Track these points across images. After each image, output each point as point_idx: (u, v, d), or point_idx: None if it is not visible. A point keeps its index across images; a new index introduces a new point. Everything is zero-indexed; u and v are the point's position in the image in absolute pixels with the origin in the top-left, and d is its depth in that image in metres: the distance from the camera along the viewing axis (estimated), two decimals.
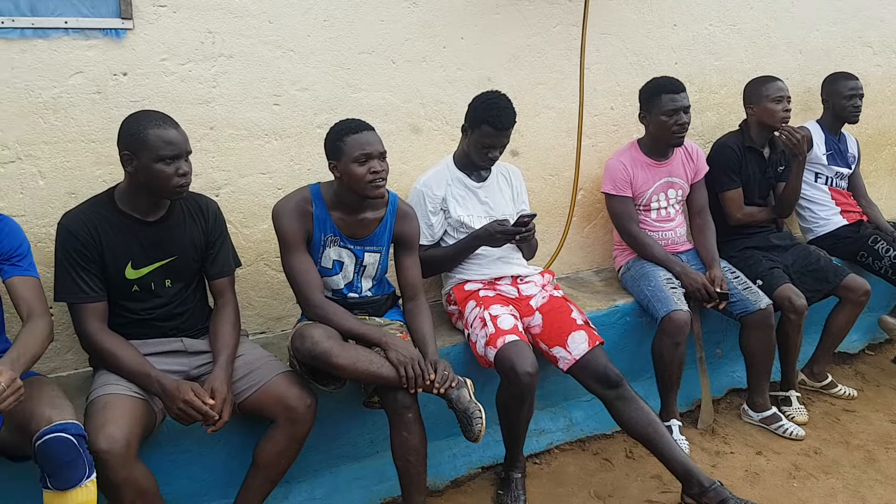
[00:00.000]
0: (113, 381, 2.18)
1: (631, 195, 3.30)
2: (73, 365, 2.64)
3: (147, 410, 2.17)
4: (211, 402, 2.17)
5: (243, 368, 2.36)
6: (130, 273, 2.27)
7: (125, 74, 2.54)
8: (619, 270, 3.46)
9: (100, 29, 2.48)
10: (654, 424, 2.59)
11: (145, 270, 2.29)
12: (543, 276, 3.01)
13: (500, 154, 2.86)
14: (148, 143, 2.12)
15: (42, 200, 2.50)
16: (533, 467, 2.93)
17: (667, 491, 2.77)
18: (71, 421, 1.90)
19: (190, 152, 2.21)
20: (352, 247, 2.56)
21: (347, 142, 2.40)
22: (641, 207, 3.35)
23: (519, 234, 2.75)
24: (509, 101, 2.78)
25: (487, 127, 2.74)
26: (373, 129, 2.45)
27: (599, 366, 2.65)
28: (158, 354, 2.31)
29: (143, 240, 2.27)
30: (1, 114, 2.39)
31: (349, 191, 2.45)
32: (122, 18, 2.51)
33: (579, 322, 2.77)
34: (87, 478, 1.89)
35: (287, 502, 2.59)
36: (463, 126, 2.86)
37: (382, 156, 2.44)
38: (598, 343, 2.70)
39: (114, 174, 2.50)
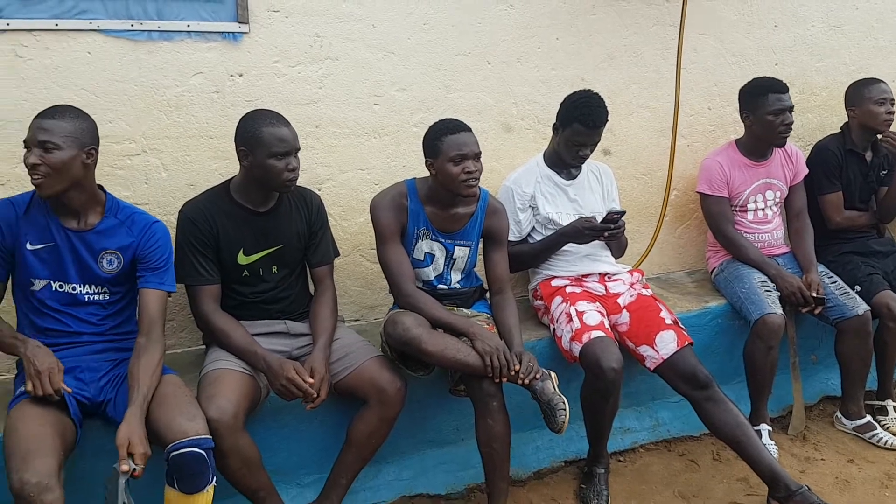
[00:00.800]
0: (224, 358, 2.39)
1: (727, 195, 3.29)
2: (187, 343, 2.87)
3: (253, 385, 2.36)
4: (311, 380, 2.34)
5: (339, 351, 2.53)
6: (242, 259, 2.48)
7: (241, 75, 2.77)
8: (712, 272, 3.45)
9: (219, 32, 2.71)
10: (743, 427, 2.60)
11: (255, 257, 2.49)
12: (632, 275, 3.05)
13: (591, 152, 2.92)
14: (262, 140, 2.31)
15: (164, 191, 2.75)
16: (616, 464, 2.98)
17: (753, 494, 2.77)
18: (204, 436, 2.06)
19: (299, 149, 2.39)
20: (443, 240, 2.68)
21: (445, 141, 2.52)
22: (738, 208, 3.34)
23: (607, 230, 2.80)
24: (601, 99, 2.84)
25: (578, 125, 2.81)
26: (470, 130, 2.56)
27: (688, 366, 2.67)
28: (264, 335, 2.50)
29: (255, 229, 2.47)
30: (130, 110, 2.65)
31: (443, 188, 2.58)
32: (239, 23, 2.73)
33: (668, 321, 2.79)
34: (210, 482, 2.07)
35: (376, 481, 2.74)
36: (554, 124, 2.93)
37: (477, 156, 2.54)
38: (687, 343, 2.71)
39: (229, 168, 2.73)
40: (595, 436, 2.80)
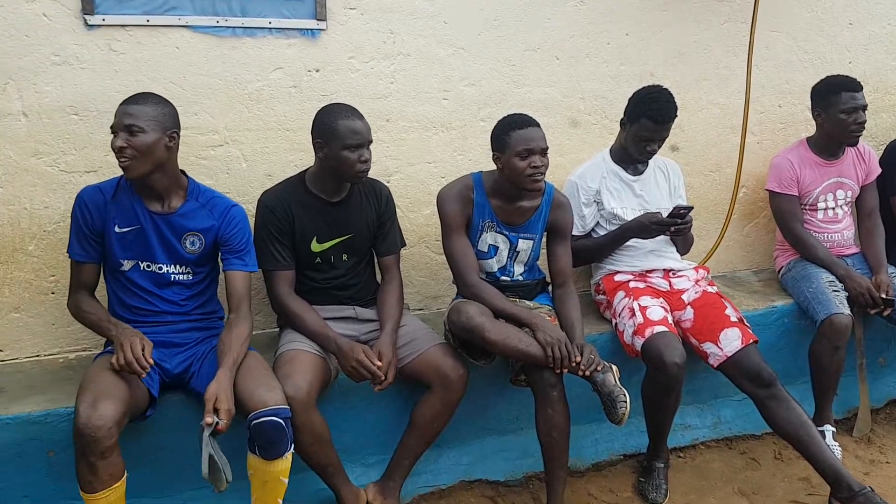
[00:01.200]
0: (298, 339, 2.51)
1: (796, 194, 3.26)
2: (263, 325, 3.00)
3: (325, 366, 2.48)
4: (378, 363, 2.44)
5: (405, 337, 2.62)
6: (315, 246, 2.59)
7: (318, 71, 2.89)
8: (779, 271, 3.42)
9: (298, 29, 2.83)
10: (806, 426, 2.59)
11: (327, 245, 2.61)
12: (697, 272, 3.06)
13: (659, 148, 2.93)
14: (337, 132, 2.42)
15: (244, 180, 2.89)
16: (676, 460, 3.01)
17: (814, 493, 2.76)
18: (282, 406, 2.18)
19: (371, 142, 2.49)
20: (507, 233, 2.74)
21: (513, 136, 2.56)
22: (807, 207, 3.30)
23: (674, 225, 2.82)
24: (671, 95, 2.85)
25: (647, 120, 2.83)
26: (538, 125, 2.59)
27: (752, 364, 2.66)
28: (334, 319, 2.61)
29: (327, 218, 2.58)
30: (214, 103, 2.79)
31: (509, 181, 2.62)
32: (318, 20, 2.85)
33: (733, 319, 2.79)
34: (288, 449, 2.20)
35: (437, 465, 2.83)
36: (622, 119, 2.96)
37: (544, 152, 2.57)
38: (751, 341, 2.71)
39: (304, 159, 2.85)
40: (655, 431, 2.82)
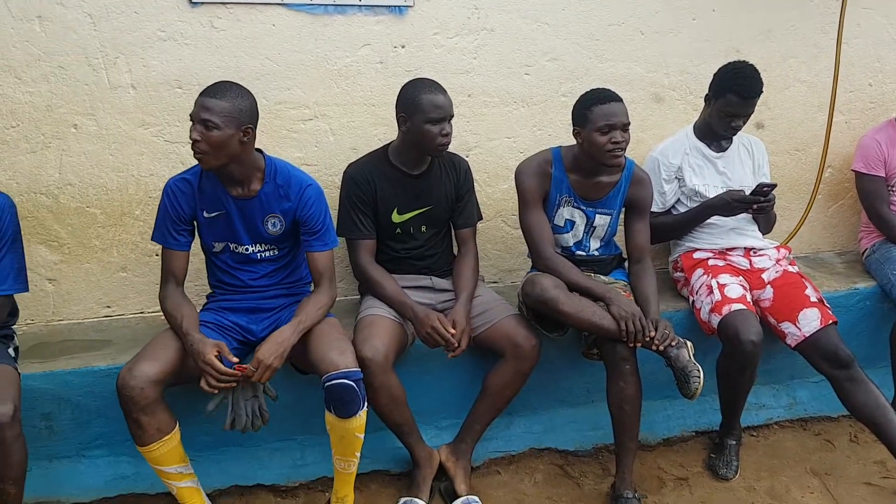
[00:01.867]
0: (377, 305, 2.62)
1: (883, 175, 3.15)
2: (344, 293, 3.13)
3: (401, 332, 2.58)
4: (452, 331, 2.52)
5: (479, 307, 2.70)
6: (396, 217, 2.69)
7: (403, 47, 2.97)
8: (863, 253, 3.32)
9: (387, 6, 2.91)
10: (884, 409, 2.53)
11: (407, 216, 2.70)
12: (779, 251, 3.00)
13: (744, 124, 2.87)
14: (420, 106, 2.49)
15: (330, 153, 3.01)
16: (749, 439, 2.99)
17: (889, 477, 2.71)
18: (353, 369, 2.27)
19: (452, 116, 2.55)
20: (584, 208, 2.75)
21: (594, 111, 2.55)
22: (894, 189, 3.18)
23: (756, 203, 2.78)
24: (756, 70, 2.79)
25: (732, 95, 2.78)
26: (621, 100, 2.57)
27: (830, 344, 2.61)
28: (411, 288, 2.71)
29: (408, 190, 2.67)
30: (305, 79, 2.92)
31: (588, 156, 2.63)
32: None
33: (813, 299, 2.74)
34: (361, 408, 2.30)
35: (508, 431, 2.90)
36: (706, 95, 2.91)
37: (625, 127, 2.56)
38: (830, 322, 2.66)
39: (387, 133, 2.94)
40: (729, 408, 2.81)
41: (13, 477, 2.12)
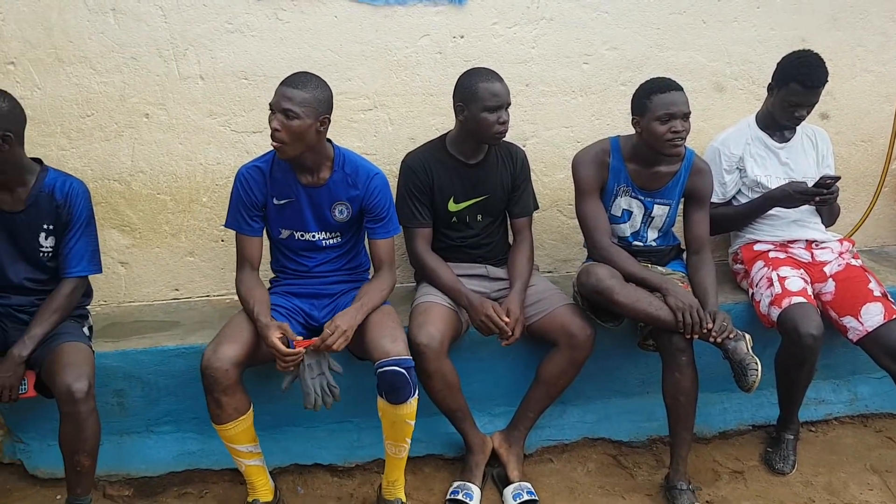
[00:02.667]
0: (432, 293, 2.65)
1: None
2: (400, 280, 3.14)
3: (456, 319, 2.61)
4: (506, 319, 2.53)
5: (534, 297, 2.70)
6: (452, 206, 2.71)
7: (462, 37, 2.98)
8: None
9: None
10: None
11: (464, 205, 2.72)
12: (842, 244, 2.92)
13: (807, 114, 2.81)
14: (478, 94, 2.50)
15: (389, 142, 3.05)
16: (807, 434, 2.93)
17: None
18: (404, 357, 2.30)
19: (509, 104, 2.55)
20: (642, 198, 2.73)
21: (654, 100, 2.52)
22: None
23: (819, 195, 2.71)
24: (821, 59, 2.72)
25: (796, 84, 2.72)
26: (681, 89, 2.53)
27: (893, 340, 2.54)
28: (466, 276, 2.73)
29: (465, 179, 2.68)
30: (366, 70, 2.96)
31: (647, 146, 2.60)
32: None
33: (876, 293, 2.66)
34: (412, 396, 2.32)
35: (561, 420, 2.91)
36: (769, 84, 2.85)
37: (685, 116, 2.52)
38: (894, 317, 2.57)
39: (445, 124, 2.95)
40: (787, 402, 2.76)
41: (87, 449, 2.23)
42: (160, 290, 3.09)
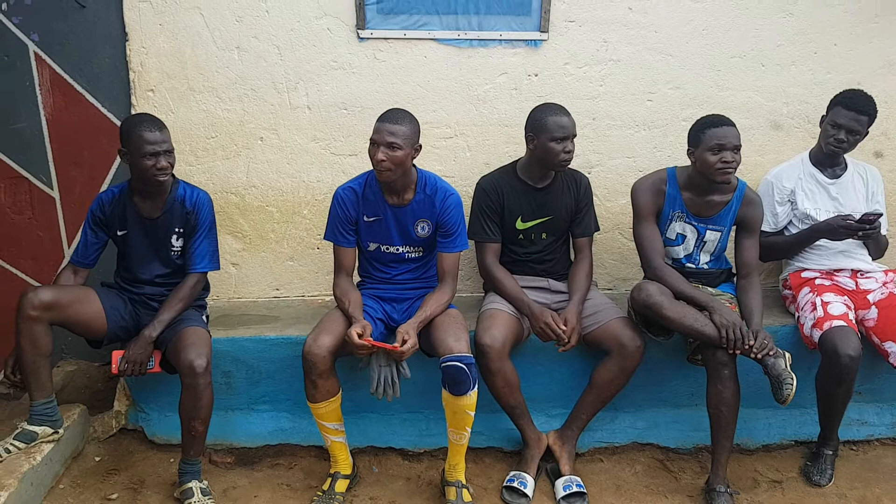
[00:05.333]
0: (497, 301, 2.91)
1: None
2: (470, 290, 3.48)
3: (518, 325, 2.86)
4: (564, 327, 2.76)
5: (590, 309, 2.91)
6: (520, 225, 2.96)
7: (536, 75, 3.27)
8: None
9: (524, 40, 3.23)
10: None
11: (530, 224, 2.96)
12: (887, 275, 3.02)
13: (848, 139, 2.93)
14: (546, 126, 2.76)
15: (466, 167, 3.35)
16: (847, 452, 3.02)
17: None
18: (466, 354, 2.53)
19: (575, 135, 2.79)
20: (696, 223, 2.91)
21: (707, 133, 2.72)
22: None
23: (861, 230, 2.84)
24: (869, 95, 2.88)
25: (840, 107, 2.89)
26: (733, 125, 2.72)
27: None
28: (530, 288, 2.97)
29: (532, 201, 2.93)
30: (448, 103, 3.28)
31: (700, 175, 2.79)
32: (541, 31, 3.22)
33: None
34: (472, 389, 2.54)
35: (613, 425, 3.09)
36: (821, 118, 3.01)
37: (736, 149, 2.70)
38: None
39: (517, 151, 3.22)
40: (826, 419, 2.87)
41: (202, 417, 2.59)
42: (264, 290, 3.47)
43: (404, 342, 2.56)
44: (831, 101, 2.94)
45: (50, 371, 2.71)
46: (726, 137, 2.70)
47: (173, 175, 2.77)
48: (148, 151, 2.58)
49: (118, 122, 3.21)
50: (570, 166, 2.89)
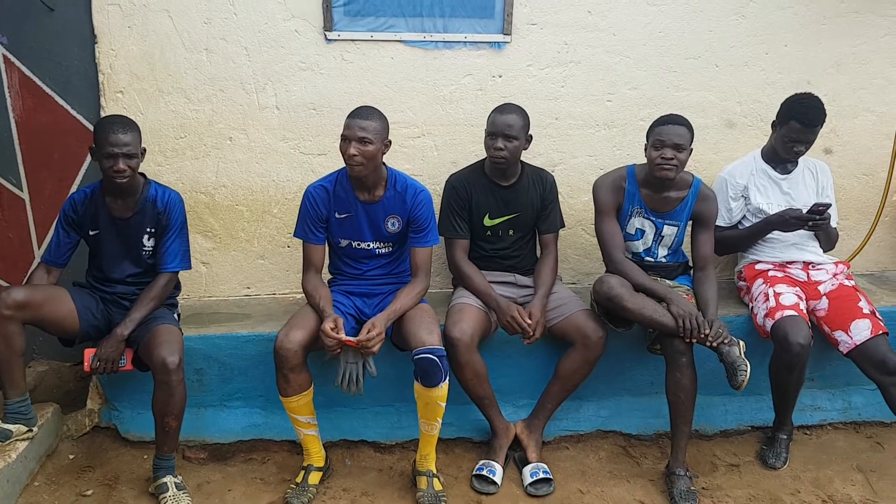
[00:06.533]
0: (466, 296, 2.98)
1: None
2: (439, 286, 3.51)
3: (486, 319, 2.93)
4: (529, 321, 2.84)
5: (555, 302, 3.00)
6: (487, 221, 3.03)
7: (500, 76, 3.34)
8: None
9: (488, 42, 3.31)
10: None
11: (497, 221, 3.04)
12: (837, 266, 3.15)
13: (805, 149, 3.06)
14: (487, 122, 2.89)
15: (434, 165, 3.41)
16: (801, 436, 3.15)
17: None
18: (438, 347, 2.61)
19: (508, 135, 2.81)
20: (654, 219, 3.00)
21: (654, 130, 2.84)
22: None
23: (812, 220, 2.96)
24: (820, 101, 2.98)
25: (795, 123, 2.98)
26: (684, 124, 2.80)
27: (879, 353, 2.76)
28: (497, 283, 3.04)
29: (499, 198, 3.01)
30: (416, 103, 3.34)
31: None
32: (504, 34, 3.30)
33: (865, 311, 2.89)
34: (443, 381, 2.62)
35: (578, 414, 3.18)
36: (773, 122, 3.11)
37: (677, 147, 2.78)
38: (881, 332, 2.80)
39: (483, 150, 3.15)
40: (780, 405, 2.99)
41: (175, 413, 2.62)
42: (234, 288, 3.50)
43: (369, 332, 2.61)
44: (785, 111, 3.02)
45: (23, 370, 2.72)
46: (668, 135, 2.79)
47: (144, 175, 2.80)
48: (107, 152, 2.60)
49: (87, 124, 3.23)
50: (535, 165, 2.99)
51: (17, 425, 2.71)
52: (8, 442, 2.68)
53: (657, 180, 2.90)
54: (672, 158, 2.80)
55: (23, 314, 2.61)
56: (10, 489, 2.61)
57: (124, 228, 2.77)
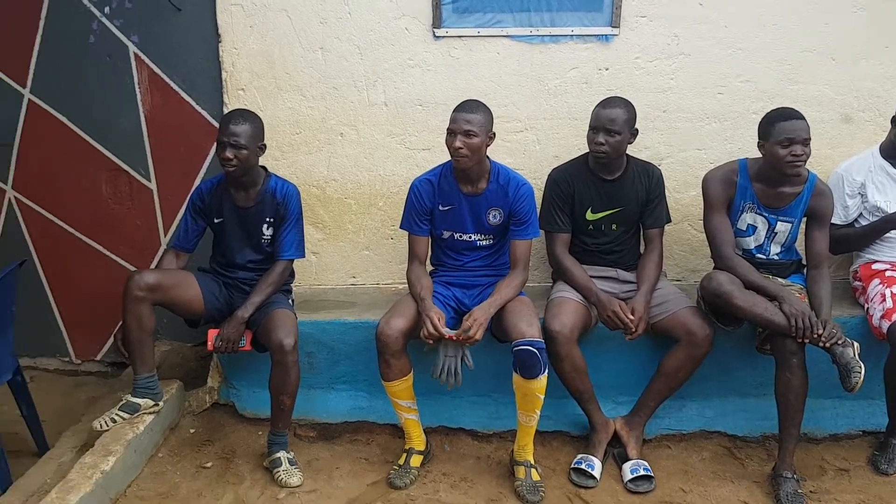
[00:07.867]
0: (566, 290, 3.01)
1: None
2: (538, 280, 3.55)
3: (586, 313, 2.94)
4: (631, 317, 2.85)
5: (659, 298, 2.98)
6: (590, 216, 3.04)
7: (607, 69, 3.35)
8: None
9: (595, 35, 3.32)
10: None
11: (600, 215, 3.04)
12: None
13: None
14: (592, 117, 2.89)
15: (536, 159, 3.44)
16: None
17: None
18: (537, 339, 2.65)
19: (612, 130, 2.81)
20: (766, 215, 2.93)
21: (777, 127, 2.75)
22: None
23: None
24: None
25: None
26: (802, 118, 2.74)
27: None
28: (598, 278, 3.05)
29: (602, 193, 3.01)
30: (520, 97, 3.39)
31: (771, 167, 2.82)
32: (612, 27, 3.30)
33: None
34: (542, 373, 2.66)
35: (681, 413, 3.14)
36: (893, 117, 2.99)
37: (805, 142, 2.72)
38: None
39: (586, 145, 3.22)
40: (894, 409, 2.86)
41: (290, 392, 2.79)
42: (341, 277, 3.65)
43: (472, 321, 2.68)
44: None
45: (153, 348, 2.95)
46: (795, 131, 2.72)
47: (265, 168, 2.98)
48: (218, 140, 2.81)
49: (211, 120, 3.45)
50: (641, 159, 2.99)
51: (144, 399, 2.93)
52: (137, 415, 2.91)
53: (776, 175, 2.82)
54: (802, 154, 2.73)
55: (154, 296, 2.82)
56: (137, 459, 2.83)
57: (246, 217, 2.96)
